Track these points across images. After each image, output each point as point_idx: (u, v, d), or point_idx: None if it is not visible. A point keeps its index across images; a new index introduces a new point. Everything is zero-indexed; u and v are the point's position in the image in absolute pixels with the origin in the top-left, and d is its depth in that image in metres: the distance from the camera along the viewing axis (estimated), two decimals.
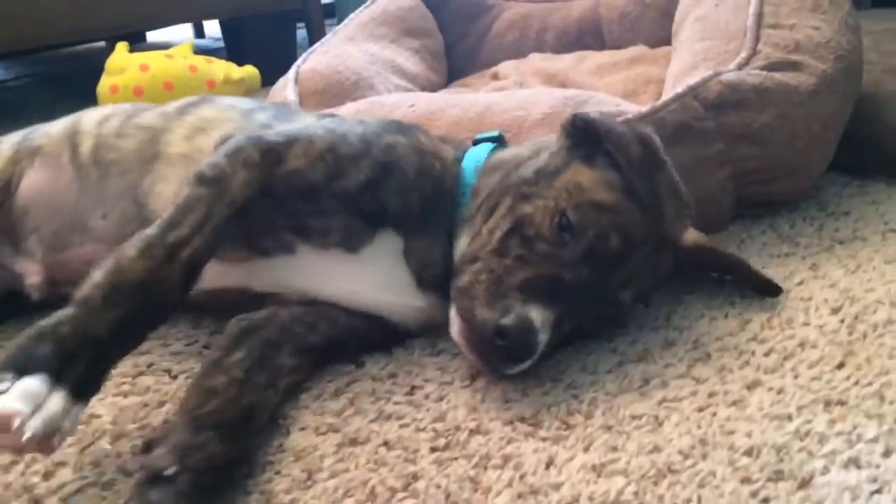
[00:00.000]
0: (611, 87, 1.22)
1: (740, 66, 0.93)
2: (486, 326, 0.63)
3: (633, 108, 0.92)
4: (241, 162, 0.69)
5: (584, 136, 0.73)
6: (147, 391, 0.72)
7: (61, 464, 0.62)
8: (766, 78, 0.91)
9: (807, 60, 0.92)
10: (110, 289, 0.59)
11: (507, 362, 0.64)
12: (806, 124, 0.92)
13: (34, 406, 0.51)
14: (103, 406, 0.70)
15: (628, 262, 0.68)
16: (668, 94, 0.91)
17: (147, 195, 0.81)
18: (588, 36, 1.47)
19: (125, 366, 0.76)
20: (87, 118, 0.90)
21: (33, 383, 0.52)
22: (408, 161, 0.74)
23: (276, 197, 0.71)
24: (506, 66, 1.45)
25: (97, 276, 0.60)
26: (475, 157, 0.79)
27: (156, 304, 0.61)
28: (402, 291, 0.74)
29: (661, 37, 1.34)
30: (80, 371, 0.55)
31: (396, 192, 0.73)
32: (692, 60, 1.00)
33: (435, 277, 0.73)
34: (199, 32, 3.09)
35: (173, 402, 0.69)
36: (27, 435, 0.50)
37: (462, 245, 0.72)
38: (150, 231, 0.64)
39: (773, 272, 0.82)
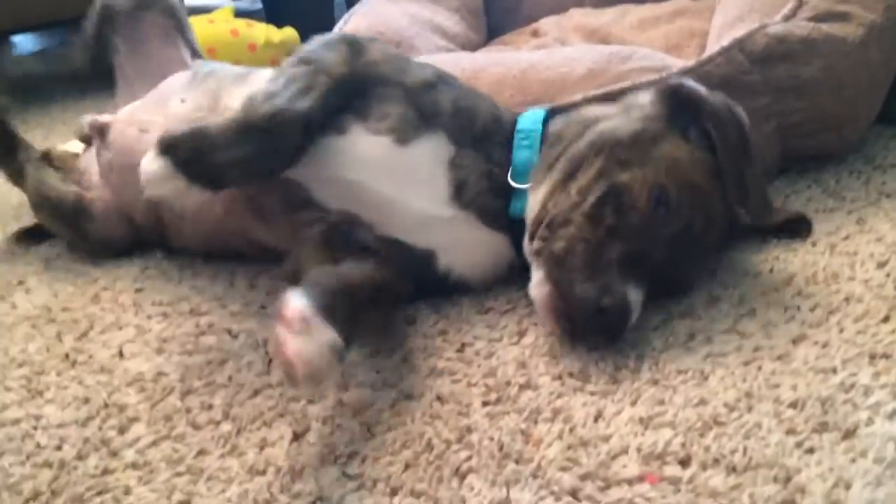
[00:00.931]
0: (653, 41, 1.21)
1: (787, 18, 0.92)
2: (586, 304, 0.64)
3: (677, 63, 0.91)
4: (332, 47, 0.77)
5: (682, 107, 0.73)
6: (210, 350, 0.75)
7: (135, 419, 0.66)
8: (813, 29, 0.90)
9: (855, 10, 0.91)
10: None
11: (595, 338, 0.67)
12: (853, 76, 0.90)
13: None
14: (170, 364, 0.74)
15: (704, 245, 0.70)
16: (713, 48, 0.90)
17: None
18: None
19: (188, 326, 0.80)
20: None
21: None
22: (465, 85, 0.83)
23: (351, 85, 0.76)
24: (546, 22, 1.44)
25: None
26: (532, 115, 0.80)
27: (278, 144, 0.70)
28: (436, 200, 0.75)
29: None
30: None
31: (451, 100, 0.77)
32: (738, 12, 0.98)
33: (473, 195, 0.76)
34: None
35: (235, 360, 0.73)
36: None
37: (542, 195, 0.73)
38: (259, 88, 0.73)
39: (818, 227, 0.83)
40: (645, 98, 0.77)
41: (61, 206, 0.97)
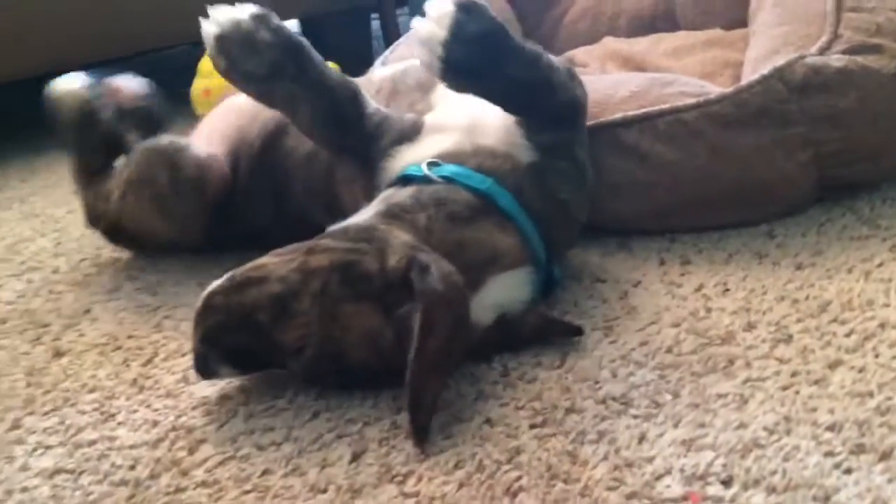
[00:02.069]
0: (688, 69, 1.24)
1: (822, 51, 0.94)
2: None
3: (715, 90, 0.94)
4: None
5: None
6: (271, 375, 0.79)
7: (202, 440, 0.71)
8: (849, 61, 0.92)
9: (887, 43, 0.93)
10: None
11: None
12: (888, 106, 0.93)
13: None
14: (232, 389, 0.78)
15: None
16: (751, 76, 0.93)
17: None
18: (661, 20, 1.48)
19: None
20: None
21: None
22: None
23: None
24: (579, 52, 1.48)
25: None
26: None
27: None
28: None
29: (736, 19, 1.35)
30: None
31: None
32: (772, 45, 1.01)
33: None
34: None
35: (293, 385, 0.77)
36: None
37: None
38: None
39: (853, 254, 0.85)
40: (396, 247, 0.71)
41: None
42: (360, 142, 0.83)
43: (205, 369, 0.72)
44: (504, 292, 0.75)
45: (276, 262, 0.71)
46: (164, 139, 1.05)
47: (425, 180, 0.78)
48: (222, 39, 0.77)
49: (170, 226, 1.06)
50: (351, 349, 0.69)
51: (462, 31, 0.71)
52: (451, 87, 0.77)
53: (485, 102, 0.79)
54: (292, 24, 2.82)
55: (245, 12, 0.78)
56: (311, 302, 0.68)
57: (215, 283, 0.73)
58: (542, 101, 0.80)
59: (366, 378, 0.71)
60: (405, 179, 0.80)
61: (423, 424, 0.65)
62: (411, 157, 0.81)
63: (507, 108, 0.80)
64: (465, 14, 0.71)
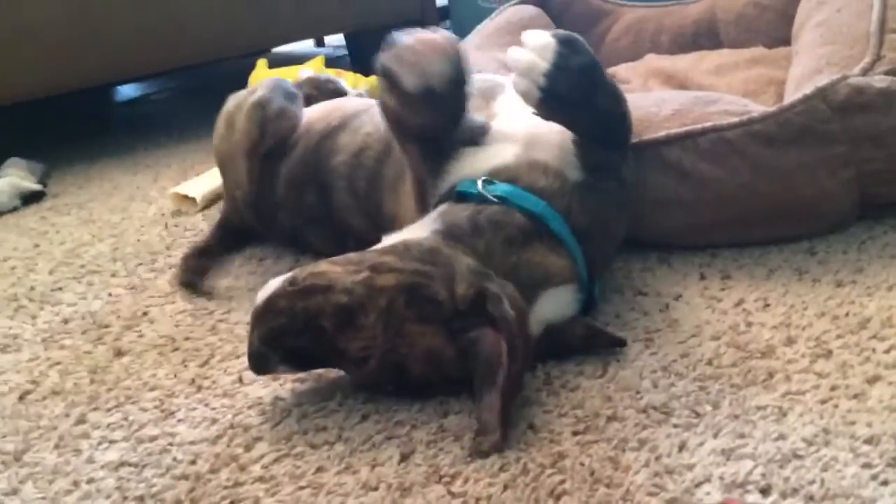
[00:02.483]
0: (731, 87, 1.26)
1: (864, 71, 0.95)
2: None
3: (758, 108, 0.96)
4: None
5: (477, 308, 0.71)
6: (320, 378, 0.83)
7: (258, 438, 0.74)
8: (891, 82, 0.93)
9: None
10: None
11: None
12: None
13: None
14: (285, 391, 0.81)
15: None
16: (794, 96, 0.94)
17: None
18: (704, 38, 1.50)
19: None
20: None
21: None
22: None
23: None
24: (622, 69, 1.50)
25: None
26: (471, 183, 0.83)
27: None
28: None
29: (779, 38, 1.37)
30: None
31: None
32: (815, 65, 1.03)
33: None
34: (319, 41, 3.25)
35: (343, 388, 0.80)
36: None
37: None
38: None
39: (893, 272, 0.86)
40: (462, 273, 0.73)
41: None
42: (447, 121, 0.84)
43: (262, 368, 0.75)
44: (552, 308, 0.78)
45: (339, 272, 0.74)
46: (286, 86, 1.15)
47: (480, 198, 0.80)
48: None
49: (226, 136, 1.15)
50: (412, 364, 0.72)
51: (565, 64, 0.74)
52: (541, 115, 0.79)
53: (540, 120, 0.82)
54: (338, 39, 2.88)
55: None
56: (376, 318, 0.71)
57: (275, 285, 0.76)
58: (617, 130, 0.83)
59: (420, 387, 0.75)
60: (459, 195, 0.83)
61: (504, 437, 0.68)
62: (473, 163, 0.84)
63: (583, 136, 0.82)
64: (566, 47, 0.75)
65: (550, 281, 0.77)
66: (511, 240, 0.78)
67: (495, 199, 0.80)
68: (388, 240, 0.79)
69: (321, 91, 1.35)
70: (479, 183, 0.81)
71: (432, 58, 0.75)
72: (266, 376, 0.83)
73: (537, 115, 0.79)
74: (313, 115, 1.15)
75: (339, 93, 1.36)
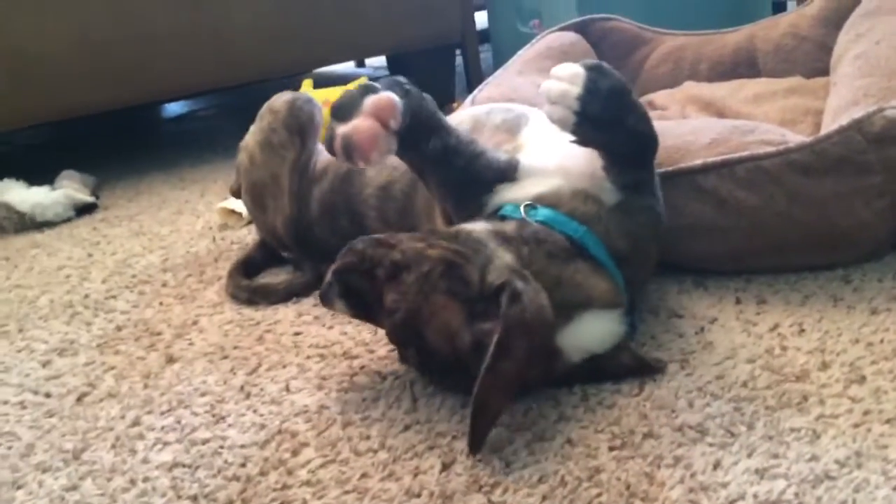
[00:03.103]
0: (769, 116, 1.28)
1: None
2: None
3: (796, 139, 0.97)
4: None
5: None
6: (363, 389, 0.86)
7: (305, 444, 0.78)
8: None
9: None
10: None
11: None
12: None
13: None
14: (330, 399, 0.85)
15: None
16: (831, 127, 0.96)
17: None
18: (742, 67, 1.52)
19: (342, 367, 0.91)
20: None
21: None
22: None
23: None
24: (660, 95, 1.53)
25: None
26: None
27: None
28: None
29: (817, 68, 1.38)
30: None
31: None
32: (853, 96, 1.04)
33: None
34: (360, 62, 3.32)
35: (385, 398, 0.83)
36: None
37: None
38: None
39: None
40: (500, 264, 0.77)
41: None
42: (462, 171, 0.88)
43: (327, 297, 0.82)
44: (594, 332, 0.80)
45: (408, 237, 0.82)
46: (304, 95, 1.21)
47: (522, 223, 0.83)
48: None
49: (267, 159, 1.18)
50: (430, 332, 0.76)
51: (595, 87, 0.78)
52: (578, 139, 0.82)
53: (570, 147, 0.85)
54: (379, 60, 2.94)
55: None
56: (415, 278, 0.77)
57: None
58: (647, 150, 0.86)
59: (441, 368, 0.78)
60: (502, 219, 0.86)
61: (481, 436, 0.71)
62: (511, 195, 0.87)
63: (615, 157, 0.85)
64: (595, 73, 0.79)
65: (592, 303, 0.80)
66: (553, 255, 0.80)
67: (536, 224, 0.83)
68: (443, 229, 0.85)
69: None
70: (522, 208, 0.84)
71: (373, 146, 0.80)
72: (309, 385, 0.86)
73: (574, 141, 0.82)
74: None
75: None
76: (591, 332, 0.80)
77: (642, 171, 0.88)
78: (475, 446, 0.72)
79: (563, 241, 0.82)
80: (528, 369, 0.73)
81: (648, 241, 0.88)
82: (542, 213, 0.84)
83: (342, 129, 0.79)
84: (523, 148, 0.93)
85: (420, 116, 0.83)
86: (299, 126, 1.16)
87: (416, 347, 0.78)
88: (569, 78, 0.79)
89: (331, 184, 1.14)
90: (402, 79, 0.85)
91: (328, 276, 0.82)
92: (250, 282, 1.18)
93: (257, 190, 1.21)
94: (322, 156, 1.18)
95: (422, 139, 0.84)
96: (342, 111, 0.80)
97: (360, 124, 0.79)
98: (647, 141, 0.85)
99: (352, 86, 1.87)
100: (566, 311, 0.77)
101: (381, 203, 1.06)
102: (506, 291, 0.72)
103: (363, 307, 0.82)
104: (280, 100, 1.19)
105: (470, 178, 0.87)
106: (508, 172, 0.88)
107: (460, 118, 1.05)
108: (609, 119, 0.79)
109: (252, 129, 1.23)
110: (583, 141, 0.82)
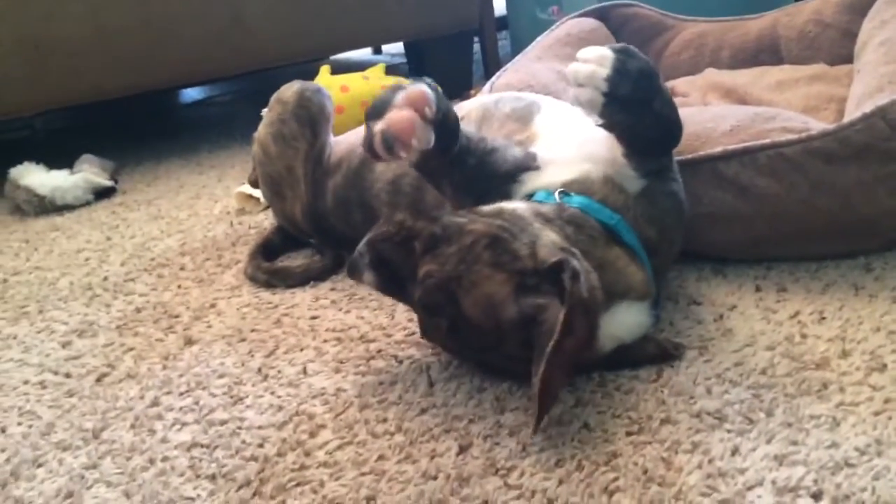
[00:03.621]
0: (791, 103, 1.26)
1: None
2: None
3: (818, 125, 0.96)
4: None
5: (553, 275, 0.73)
6: (380, 372, 0.86)
7: (322, 426, 0.78)
8: None
9: None
10: None
11: None
12: None
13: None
14: (347, 382, 0.85)
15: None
16: (854, 114, 0.94)
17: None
18: (765, 54, 1.50)
19: (359, 350, 0.91)
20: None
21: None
22: None
23: None
24: (681, 82, 1.51)
25: None
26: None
27: None
28: None
29: (841, 55, 1.36)
30: None
31: None
32: (877, 83, 1.03)
33: None
34: (377, 49, 3.31)
35: (402, 382, 0.83)
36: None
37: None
38: None
39: None
40: (548, 242, 0.76)
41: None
42: (473, 167, 0.89)
43: (354, 269, 0.82)
44: (628, 323, 0.80)
45: (448, 213, 0.82)
46: (314, 84, 1.21)
47: (560, 206, 0.83)
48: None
49: (281, 151, 1.18)
50: (468, 301, 0.74)
51: (625, 68, 0.77)
52: (605, 121, 0.81)
53: (588, 134, 0.85)
54: (398, 48, 2.94)
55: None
56: (457, 249, 0.76)
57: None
58: (671, 135, 0.85)
59: (471, 339, 0.76)
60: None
61: (544, 413, 0.70)
62: (540, 182, 0.87)
63: (639, 142, 0.84)
64: (623, 54, 0.78)
65: (629, 293, 0.80)
66: (595, 239, 0.80)
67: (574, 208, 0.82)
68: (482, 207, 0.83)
69: None
70: (557, 194, 0.84)
71: (412, 133, 0.78)
72: (326, 368, 0.87)
73: (600, 124, 0.81)
74: (352, 135, 1.19)
75: None
76: (626, 321, 0.79)
77: (664, 157, 0.87)
78: (538, 422, 0.69)
79: (599, 227, 0.81)
80: (584, 349, 0.73)
81: (674, 229, 0.88)
82: (577, 199, 0.83)
83: (379, 126, 0.78)
84: (538, 137, 0.93)
85: (449, 116, 0.83)
86: (310, 117, 1.17)
87: (449, 316, 0.76)
88: (597, 60, 0.78)
89: (344, 178, 1.14)
90: (428, 79, 0.84)
91: (361, 246, 0.81)
92: (270, 264, 1.19)
93: (274, 181, 1.22)
94: (337, 147, 1.18)
95: (451, 139, 0.84)
96: (376, 111, 0.80)
97: (395, 115, 0.78)
98: (672, 126, 0.84)
99: (370, 72, 1.88)
100: (607, 298, 0.77)
101: (392, 198, 1.06)
102: (566, 269, 0.71)
103: (392, 281, 0.82)
104: (289, 91, 1.19)
105: (486, 174, 0.87)
106: (528, 161, 0.88)
107: (469, 108, 1.04)
108: (638, 100, 0.79)
109: (264, 120, 1.23)
110: (609, 124, 0.81)
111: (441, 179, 0.91)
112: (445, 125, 0.83)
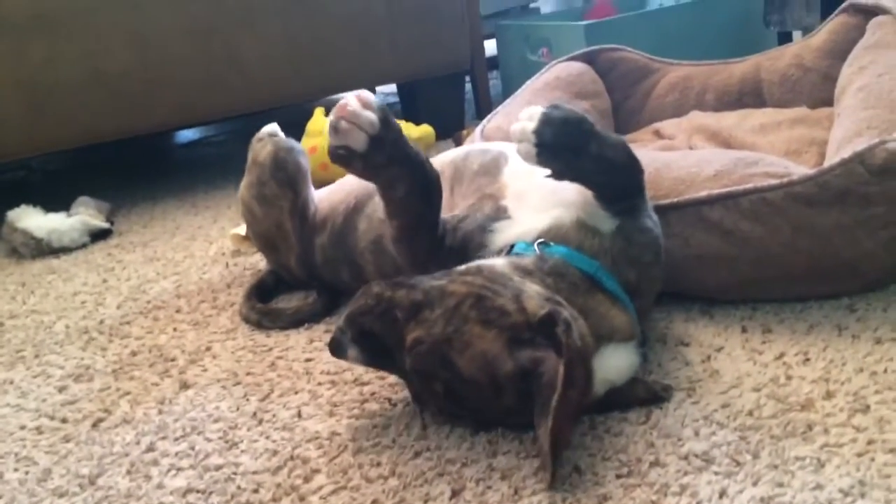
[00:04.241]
0: (774, 146, 1.30)
1: None
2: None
3: (799, 170, 0.99)
4: None
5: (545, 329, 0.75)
6: (374, 415, 0.87)
7: (316, 470, 0.79)
8: None
9: None
10: None
11: None
12: None
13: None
14: (341, 426, 0.86)
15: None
16: (833, 159, 0.97)
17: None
18: (748, 97, 1.54)
19: (353, 393, 0.93)
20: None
21: None
22: None
23: None
24: (667, 124, 1.55)
25: None
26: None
27: None
28: None
29: (822, 98, 1.40)
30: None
31: None
32: (856, 128, 1.06)
33: None
34: (370, 90, 3.36)
35: (396, 425, 0.85)
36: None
37: None
38: None
39: None
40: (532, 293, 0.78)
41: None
42: (437, 222, 0.92)
43: (337, 347, 0.81)
44: (615, 365, 0.81)
45: (426, 277, 0.82)
46: (286, 139, 1.22)
47: (539, 258, 0.85)
48: (371, 143, 0.85)
49: (266, 211, 1.20)
50: (463, 362, 0.75)
51: (549, 118, 0.83)
52: (547, 167, 0.85)
53: (556, 183, 0.88)
54: (391, 89, 2.98)
55: (377, 116, 0.85)
56: (441, 312, 0.77)
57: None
58: (628, 176, 0.88)
59: (466, 399, 0.77)
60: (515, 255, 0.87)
61: (558, 464, 0.71)
62: (513, 232, 0.89)
63: (594, 184, 0.87)
64: (551, 108, 0.83)
65: (614, 336, 0.82)
66: (576, 286, 0.82)
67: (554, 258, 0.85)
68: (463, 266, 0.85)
69: None
70: (536, 245, 0.86)
71: (358, 118, 0.83)
72: (321, 412, 0.88)
73: (549, 175, 0.85)
74: (335, 195, 1.20)
75: None
76: (615, 363, 0.81)
77: (632, 198, 0.90)
78: (555, 476, 0.71)
79: (580, 275, 0.83)
80: (584, 396, 0.75)
81: (652, 266, 0.90)
82: (557, 249, 0.85)
83: (330, 118, 0.84)
84: (507, 187, 0.95)
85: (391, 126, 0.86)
86: (288, 178, 1.18)
87: (444, 379, 0.77)
88: (528, 116, 0.83)
89: (329, 237, 1.17)
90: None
91: (340, 323, 0.81)
92: (263, 305, 1.21)
93: (266, 238, 1.24)
94: (322, 205, 1.21)
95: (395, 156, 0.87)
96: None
97: (340, 102, 0.83)
98: (621, 168, 0.86)
99: None
100: (595, 342, 0.79)
101: (377, 258, 1.08)
102: (559, 321, 0.73)
103: (378, 353, 0.81)
104: (263, 151, 1.20)
105: (463, 239, 0.91)
106: (498, 213, 0.91)
107: (441, 165, 1.04)
108: (565, 145, 0.83)
109: (244, 180, 1.25)
110: (555, 174, 0.85)
111: (423, 255, 0.92)
112: (387, 127, 0.85)
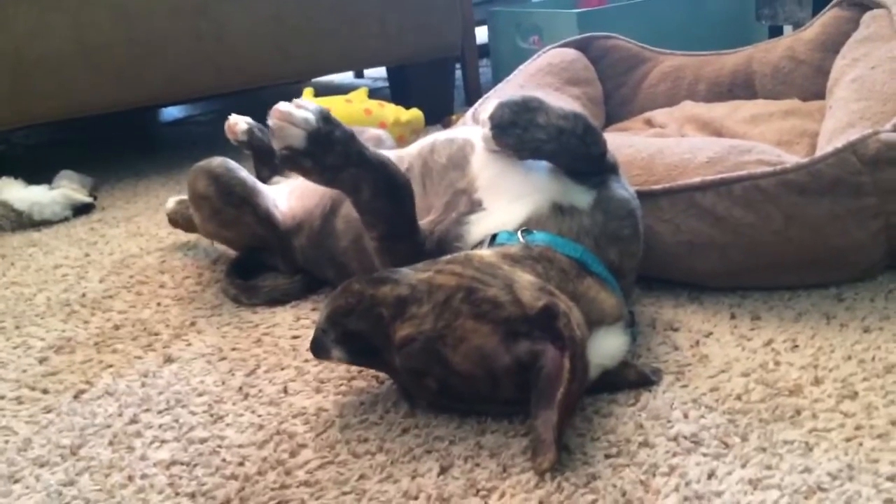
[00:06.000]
0: (765, 136, 1.30)
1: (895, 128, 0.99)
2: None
3: (792, 159, 0.99)
4: None
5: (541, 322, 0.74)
6: (361, 392, 0.87)
7: (303, 445, 0.78)
8: None
9: None
10: None
11: None
12: None
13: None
14: (328, 402, 0.85)
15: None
16: (826, 149, 0.97)
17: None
18: (739, 88, 1.54)
19: (340, 370, 0.92)
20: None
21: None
22: None
23: None
24: (658, 113, 1.55)
25: None
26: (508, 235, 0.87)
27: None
28: None
29: (813, 91, 1.41)
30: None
31: None
32: (848, 119, 1.06)
33: None
34: (359, 73, 3.34)
35: (383, 402, 0.84)
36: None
37: None
38: None
39: None
40: (525, 282, 0.77)
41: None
42: (415, 226, 0.90)
43: (320, 348, 0.79)
44: (607, 348, 0.81)
45: (411, 269, 0.80)
46: (215, 160, 1.20)
47: (525, 246, 0.84)
48: (310, 139, 0.82)
49: (237, 231, 1.20)
50: (458, 357, 0.74)
51: (502, 104, 0.87)
52: (504, 147, 0.88)
53: (527, 163, 0.89)
54: (380, 72, 2.96)
55: (313, 114, 0.82)
56: (431, 307, 0.75)
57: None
58: (582, 144, 0.87)
59: (462, 394, 0.77)
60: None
61: (559, 451, 0.71)
62: (491, 222, 0.88)
63: (551, 154, 0.88)
64: (506, 97, 0.88)
65: (605, 320, 0.81)
66: (565, 273, 0.82)
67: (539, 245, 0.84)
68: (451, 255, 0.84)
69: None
70: (520, 234, 0.85)
71: (291, 117, 0.81)
72: (308, 388, 0.87)
73: (504, 148, 0.89)
74: (308, 198, 1.17)
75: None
76: (607, 347, 0.81)
77: (603, 171, 0.90)
78: (553, 463, 0.70)
79: (567, 260, 0.83)
80: (583, 385, 0.75)
81: (632, 243, 0.90)
82: (540, 237, 0.85)
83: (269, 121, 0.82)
84: (477, 178, 0.93)
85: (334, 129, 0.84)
86: (238, 198, 1.16)
87: (438, 376, 0.75)
88: (487, 110, 0.89)
89: (308, 240, 1.15)
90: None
91: (321, 322, 0.79)
92: (242, 281, 1.19)
93: (253, 247, 1.24)
94: (294, 204, 1.20)
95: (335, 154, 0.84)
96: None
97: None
98: (573, 135, 0.86)
99: (352, 96, 1.90)
100: (587, 328, 0.78)
101: (360, 255, 1.04)
102: (559, 314, 0.72)
103: (364, 352, 0.79)
104: (202, 184, 1.18)
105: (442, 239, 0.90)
106: (472, 207, 0.91)
107: (409, 159, 1.02)
108: (517, 121, 0.86)
109: (196, 217, 1.23)
110: (515, 152, 0.89)
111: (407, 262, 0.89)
112: (329, 124, 0.83)
